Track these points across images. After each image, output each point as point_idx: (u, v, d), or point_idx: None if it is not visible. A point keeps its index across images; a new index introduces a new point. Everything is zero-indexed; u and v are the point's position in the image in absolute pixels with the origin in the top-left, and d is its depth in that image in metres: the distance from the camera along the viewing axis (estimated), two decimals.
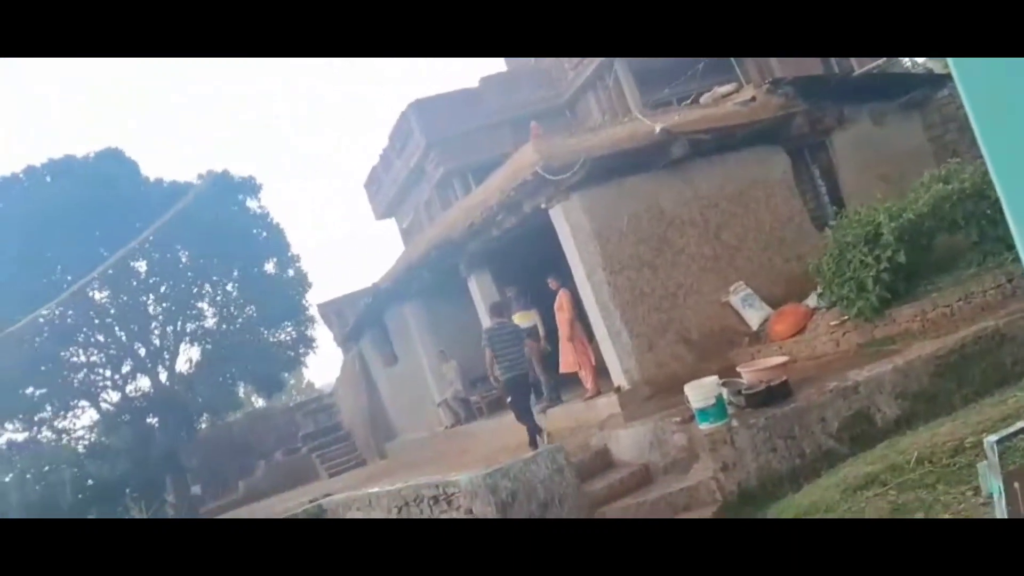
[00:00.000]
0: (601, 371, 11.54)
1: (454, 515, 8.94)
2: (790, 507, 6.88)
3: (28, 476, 16.68)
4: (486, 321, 13.74)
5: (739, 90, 12.74)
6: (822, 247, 10.47)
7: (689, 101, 14.33)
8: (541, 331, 12.31)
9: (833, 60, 20.03)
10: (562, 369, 11.98)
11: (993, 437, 3.70)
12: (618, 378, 11.04)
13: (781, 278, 11.74)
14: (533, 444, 10.29)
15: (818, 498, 6.74)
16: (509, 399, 11.08)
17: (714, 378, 8.39)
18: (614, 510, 8.48)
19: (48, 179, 18.20)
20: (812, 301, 10.79)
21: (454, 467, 11.17)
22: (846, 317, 9.93)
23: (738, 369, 9.32)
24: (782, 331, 10.77)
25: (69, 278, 15.80)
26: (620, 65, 19.49)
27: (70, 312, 17.94)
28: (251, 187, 20.51)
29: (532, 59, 23.40)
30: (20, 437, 18.12)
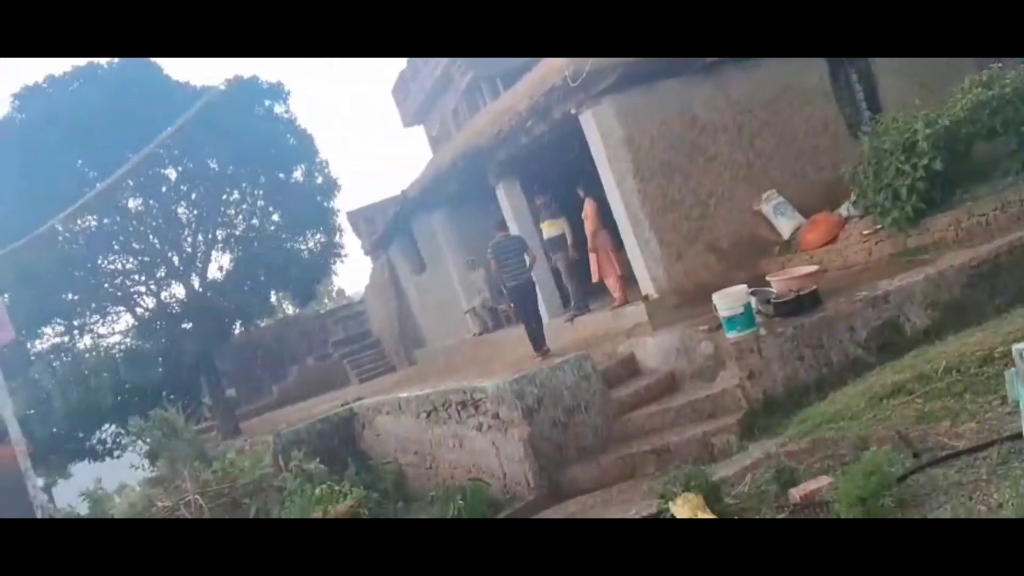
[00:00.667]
0: (630, 280, 11.54)
1: (481, 420, 9.11)
2: (815, 415, 6.93)
3: (70, 380, 17.11)
4: (515, 228, 13.74)
5: None
6: (857, 155, 10.26)
7: None
8: (569, 239, 12.28)
9: None
10: (594, 278, 12.01)
11: (1022, 345, 3.67)
12: (646, 287, 11.03)
13: (815, 186, 11.54)
14: (537, 349, 10.74)
15: (843, 406, 6.79)
16: (514, 306, 11.77)
17: (743, 287, 8.37)
18: (640, 416, 8.59)
19: (74, 87, 18.11)
20: (845, 210, 10.63)
21: (482, 374, 11.33)
22: (879, 226, 9.79)
23: (767, 278, 9.27)
24: (814, 240, 10.66)
25: (99, 186, 15.87)
26: None
27: (105, 220, 18.08)
28: (279, 93, 20.29)
29: None
30: (59, 342, 18.52)
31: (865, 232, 10.03)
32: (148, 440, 14.16)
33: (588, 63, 10.25)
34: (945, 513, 4.36)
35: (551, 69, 11.23)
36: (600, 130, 10.79)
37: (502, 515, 8.48)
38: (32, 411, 16.81)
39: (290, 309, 31.92)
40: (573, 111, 10.99)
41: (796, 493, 5.26)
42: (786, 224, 11.11)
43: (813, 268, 9.44)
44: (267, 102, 20.07)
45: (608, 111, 10.74)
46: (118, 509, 14.17)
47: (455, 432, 9.91)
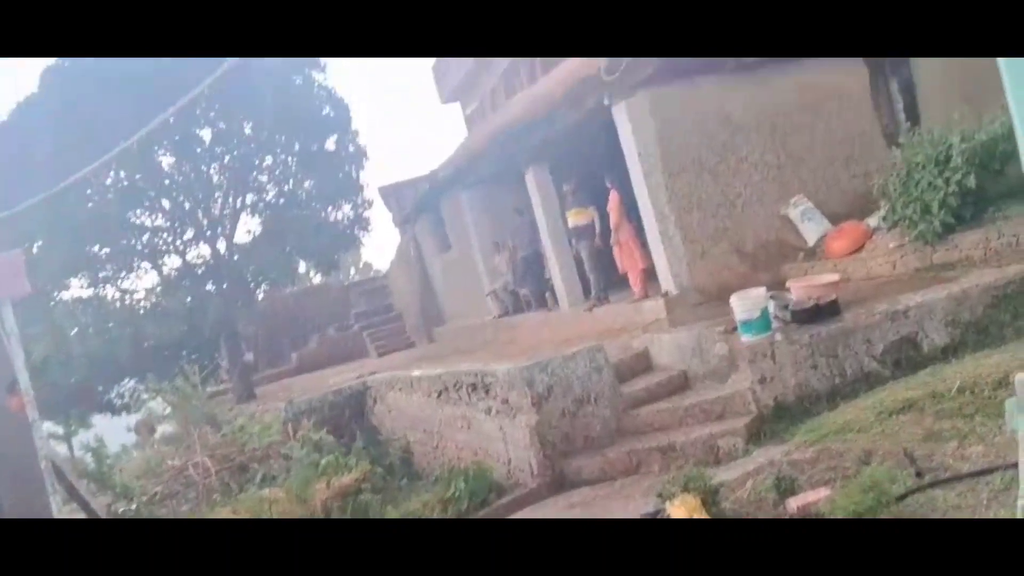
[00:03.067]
0: (651, 275, 11.50)
1: (490, 404, 9.13)
2: (824, 424, 6.88)
3: (90, 331, 17.36)
4: (541, 214, 13.75)
5: None
6: (891, 165, 10.12)
7: None
8: (597, 228, 12.28)
9: None
10: (620, 270, 12.02)
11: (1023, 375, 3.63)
12: (667, 283, 10.99)
13: (845, 194, 11.42)
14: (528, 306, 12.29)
15: (852, 417, 6.74)
16: (521, 274, 13.67)
17: (761, 290, 8.31)
18: (649, 412, 8.58)
19: None
20: (873, 220, 10.50)
21: (498, 356, 11.35)
22: (907, 239, 9.67)
23: (788, 283, 9.20)
24: (839, 248, 10.55)
25: (136, 145, 15.99)
26: None
27: (137, 176, 18.24)
28: (317, 62, 20.36)
29: None
30: (85, 294, 18.76)
31: (892, 244, 9.91)
32: (164, 399, 14.36)
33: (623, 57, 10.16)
34: None
35: (588, 58, 11.16)
36: (632, 123, 10.72)
37: (505, 500, 8.51)
38: (50, 358, 17.04)
39: (316, 278, 32.11)
40: (607, 102, 10.93)
41: (793, 503, 5.24)
42: (812, 230, 11.01)
43: (835, 277, 9.34)
44: (306, 70, 20.12)
45: (642, 104, 10.67)
46: (133, 464, 14.39)
47: (464, 414, 9.95)
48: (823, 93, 11.47)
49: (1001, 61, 1.21)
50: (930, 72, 11.91)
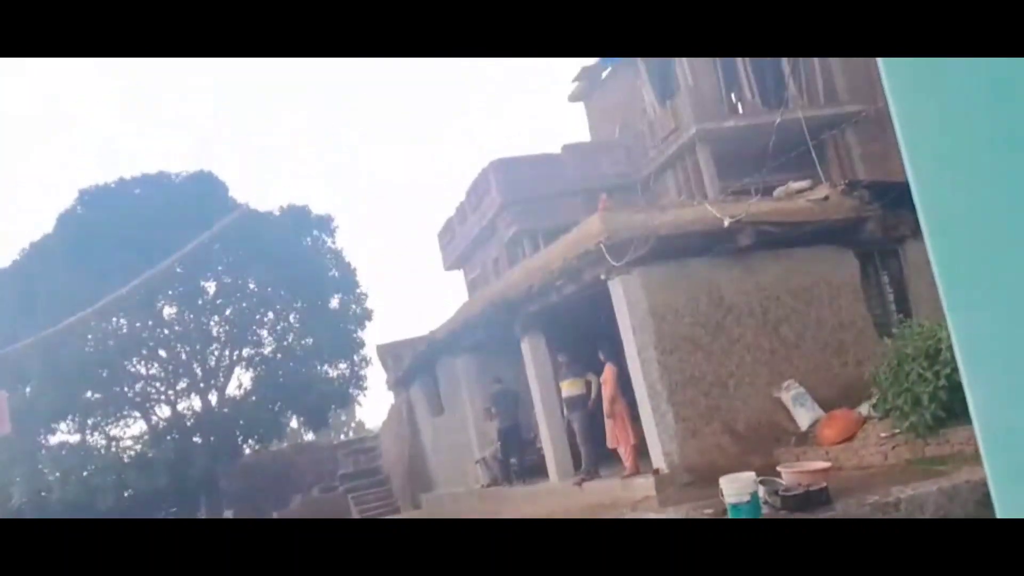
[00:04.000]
0: (643, 451, 11.39)
1: None
2: None
3: (72, 477, 17.07)
4: (535, 383, 13.76)
5: (814, 187, 12.65)
6: (882, 355, 10.23)
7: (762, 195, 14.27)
8: (591, 398, 12.27)
9: None
10: (609, 445, 11.90)
11: None
12: (658, 460, 10.86)
13: (836, 381, 11.47)
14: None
15: None
16: (500, 444, 14.01)
17: (751, 474, 8.22)
18: None
19: (136, 191, 18.96)
20: (865, 409, 10.51)
21: None
22: (898, 430, 9.64)
23: (779, 468, 9.10)
24: (831, 435, 10.49)
25: (142, 293, 16.29)
26: (701, 149, 19.57)
27: (138, 323, 18.47)
28: (327, 225, 21.05)
29: (616, 133, 23.68)
30: (72, 439, 18.59)
31: (883, 434, 9.87)
32: None
33: (621, 234, 10.52)
34: None
35: (588, 233, 11.53)
36: (627, 298, 10.94)
37: None
38: (29, 501, 16.69)
39: (307, 435, 31.81)
40: (603, 276, 11.19)
41: None
42: (804, 415, 10.99)
43: (826, 464, 9.25)
44: (316, 232, 20.73)
45: (637, 281, 10.92)
46: None
47: None
48: (812, 280, 11.75)
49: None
50: (919, 267, 12.24)
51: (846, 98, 20.00)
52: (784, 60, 19.59)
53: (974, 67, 1.19)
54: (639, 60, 20.85)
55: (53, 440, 18.37)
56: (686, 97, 19.81)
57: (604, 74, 24.05)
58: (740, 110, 20.99)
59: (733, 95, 21.23)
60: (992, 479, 1.26)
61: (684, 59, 19.76)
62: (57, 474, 17.33)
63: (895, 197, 12.02)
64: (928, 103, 1.23)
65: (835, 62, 20.17)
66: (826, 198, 11.96)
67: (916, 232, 12.38)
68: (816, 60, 19.50)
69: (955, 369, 7.88)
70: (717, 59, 20.10)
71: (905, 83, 1.25)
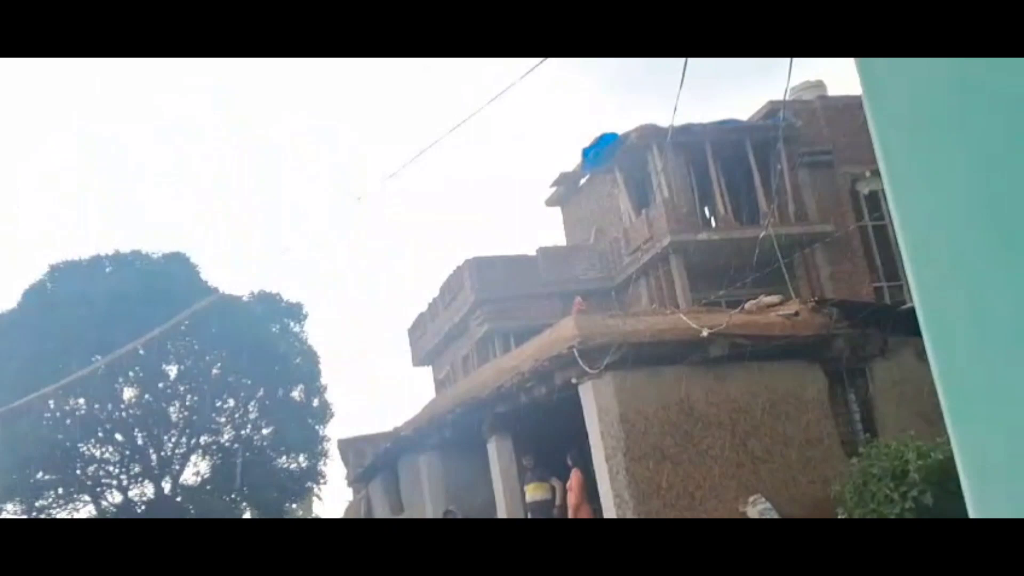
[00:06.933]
0: None
1: None
2: None
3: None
4: (499, 485, 13.52)
5: (784, 303, 12.83)
6: (848, 474, 10.19)
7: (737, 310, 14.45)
8: (557, 502, 12.11)
9: (885, 288, 20.19)
10: None
11: None
12: None
13: (803, 498, 11.37)
14: None
15: None
16: None
17: None
18: None
19: (108, 269, 18.83)
20: None
21: None
22: None
23: None
24: None
25: (102, 372, 16.00)
26: (675, 260, 19.86)
27: (96, 405, 18.08)
28: (297, 313, 20.95)
29: (591, 238, 24.02)
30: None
31: None
32: None
33: (594, 339, 10.55)
34: None
35: (561, 336, 11.54)
36: (597, 403, 10.88)
37: None
38: None
39: None
40: (574, 380, 11.15)
41: None
42: None
43: None
44: (284, 319, 20.61)
45: (607, 386, 10.89)
46: None
47: None
48: (780, 395, 11.78)
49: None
50: (886, 386, 12.36)
51: (816, 218, 20.51)
52: (757, 177, 20.14)
53: (948, 67, 1.21)
54: (616, 169, 21.33)
55: None
56: (661, 208, 20.21)
57: (582, 181, 24.54)
58: (713, 224, 21.43)
59: (707, 209, 21.71)
60: (965, 479, 1.26)
61: (660, 171, 20.26)
62: None
63: (864, 317, 12.22)
64: (902, 102, 1.25)
65: (806, 183, 20.77)
66: (796, 314, 12.12)
67: (884, 352, 12.55)
68: (788, 179, 20.06)
69: (922, 491, 7.84)
70: (692, 173, 20.64)
71: (879, 82, 1.27)
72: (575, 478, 11.50)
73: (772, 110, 20.03)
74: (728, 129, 20.34)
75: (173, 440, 18.70)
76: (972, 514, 1.26)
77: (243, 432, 19.38)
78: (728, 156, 20.48)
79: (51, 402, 16.68)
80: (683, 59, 8.07)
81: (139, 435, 18.54)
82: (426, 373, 28.06)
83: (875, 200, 20.12)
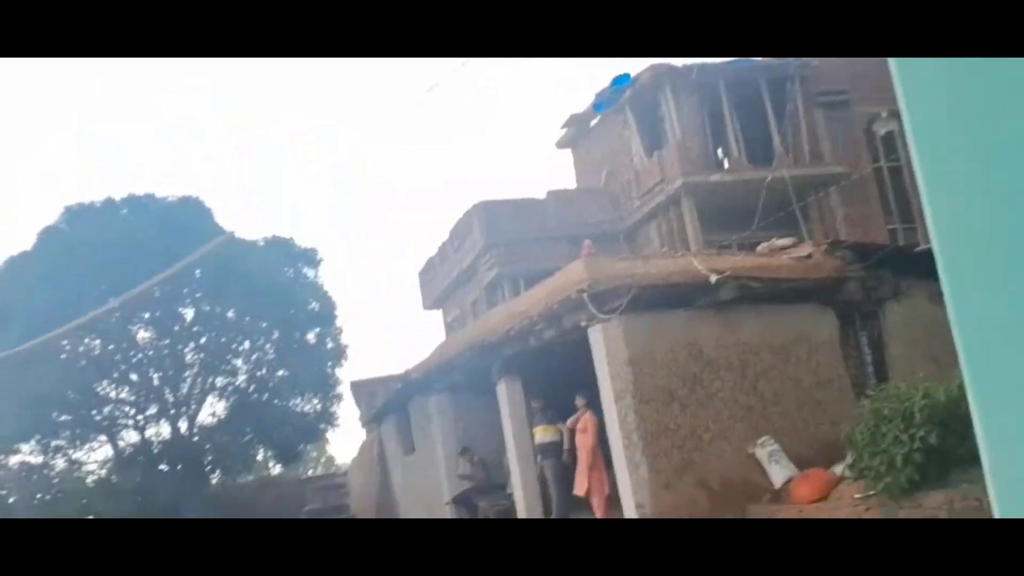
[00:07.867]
0: (614, 502, 11.28)
1: None
2: None
3: (35, 501, 16.69)
4: (508, 427, 13.65)
5: (797, 245, 12.74)
6: (858, 415, 10.22)
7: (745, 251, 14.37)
8: (566, 445, 12.20)
9: (900, 230, 20.02)
10: (575, 491, 11.78)
11: None
12: (629, 511, 10.75)
13: (813, 440, 11.43)
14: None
15: None
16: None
17: None
18: None
19: (123, 212, 18.84)
20: (840, 469, 10.46)
21: None
22: (872, 492, 9.59)
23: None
24: (805, 494, 10.43)
25: (118, 315, 16.11)
26: (686, 202, 19.72)
27: (111, 346, 18.23)
28: (311, 258, 20.97)
29: (602, 181, 23.84)
30: (35, 461, 18.21)
31: (857, 495, 9.81)
32: None
33: (603, 282, 10.52)
34: None
35: (570, 279, 11.53)
36: (606, 346, 10.90)
37: None
38: None
39: (275, 468, 31.38)
40: (583, 323, 11.16)
41: None
42: (779, 473, 10.93)
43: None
44: (299, 264, 20.64)
45: (616, 329, 10.89)
46: None
47: None
48: (791, 337, 11.76)
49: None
50: (898, 329, 12.32)
51: (831, 160, 20.27)
52: (772, 118, 19.86)
53: (987, 68, 1.18)
54: (627, 110, 21.07)
55: (14, 460, 18.02)
56: (673, 150, 20.01)
57: (592, 122, 24.27)
58: (726, 165, 21.22)
59: (720, 150, 21.47)
60: (991, 479, 1.25)
61: (672, 112, 20.00)
62: (16, 497, 16.92)
63: (877, 259, 12.13)
64: (940, 105, 1.22)
65: (821, 124, 20.48)
66: (809, 256, 12.03)
67: (897, 295, 12.49)
68: (803, 120, 19.78)
69: (928, 432, 7.84)
70: (705, 114, 20.37)
71: (918, 84, 1.24)
72: (589, 420, 11.57)
73: None
74: (742, 68, 19.98)
75: (188, 381, 18.91)
76: (984, 451, 1.25)
77: (258, 373, 19.57)
78: (742, 96, 20.18)
79: (66, 343, 16.81)
80: None
81: (155, 376, 18.72)
82: (436, 316, 28.19)
83: (891, 141, 19.84)
